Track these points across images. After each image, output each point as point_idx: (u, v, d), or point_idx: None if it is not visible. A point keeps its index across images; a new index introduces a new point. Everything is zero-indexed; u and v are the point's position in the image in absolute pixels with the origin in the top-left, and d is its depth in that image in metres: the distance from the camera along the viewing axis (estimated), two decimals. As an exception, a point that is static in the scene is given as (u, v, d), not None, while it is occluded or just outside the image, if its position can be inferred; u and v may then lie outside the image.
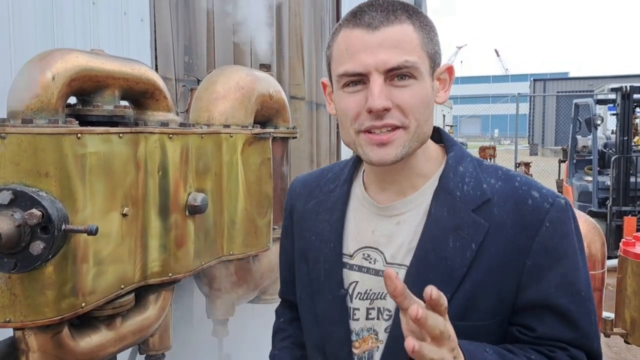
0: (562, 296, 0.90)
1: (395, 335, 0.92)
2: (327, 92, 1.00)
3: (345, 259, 1.00)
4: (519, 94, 12.49)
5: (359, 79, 0.89)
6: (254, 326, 2.62)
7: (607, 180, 6.94)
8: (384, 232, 0.97)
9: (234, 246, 1.96)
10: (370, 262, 0.98)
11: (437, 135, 1.04)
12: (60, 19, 2.70)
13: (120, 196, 1.43)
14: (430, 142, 0.99)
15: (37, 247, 1.14)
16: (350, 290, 0.99)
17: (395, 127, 0.90)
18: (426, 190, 0.96)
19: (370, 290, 0.97)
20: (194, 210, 1.69)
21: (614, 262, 2.87)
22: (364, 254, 0.99)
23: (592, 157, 7.53)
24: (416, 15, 0.92)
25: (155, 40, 3.61)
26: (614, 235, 6.20)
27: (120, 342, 1.48)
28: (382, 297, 0.96)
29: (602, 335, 2.35)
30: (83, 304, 1.30)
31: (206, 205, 1.74)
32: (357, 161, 1.06)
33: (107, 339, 1.43)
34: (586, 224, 2.10)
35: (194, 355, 2.40)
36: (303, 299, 1.06)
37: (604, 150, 7.76)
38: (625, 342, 2.64)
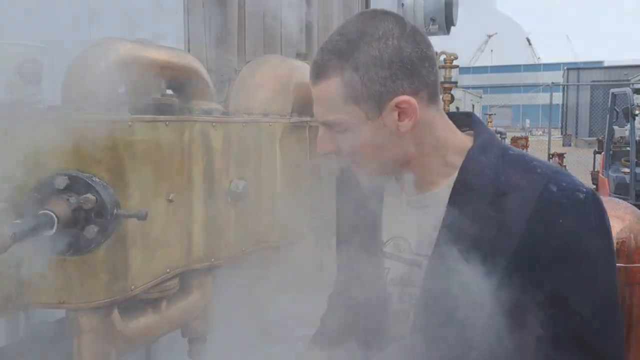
0: (576, 300, 0.89)
1: (418, 324, 0.99)
2: None
3: (380, 246, 1.07)
4: (552, 83, 12.25)
5: None
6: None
7: (645, 172, 6.78)
8: (411, 222, 1.03)
9: (271, 234, 1.99)
10: (400, 251, 1.04)
11: (468, 121, 1.06)
12: (96, 10, 2.75)
13: (166, 183, 1.46)
14: (451, 138, 1.01)
15: (92, 231, 1.18)
16: (384, 276, 1.06)
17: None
18: (450, 183, 0.99)
19: (401, 277, 1.03)
20: (236, 197, 1.72)
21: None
22: (395, 243, 1.05)
23: (629, 148, 7.35)
24: (356, 56, 0.91)
25: (188, 34, 3.65)
26: (652, 228, 6.05)
27: (166, 325, 1.53)
28: (412, 284, 1.02)
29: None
30: (132, 287, 1.34)
31: (247, 193, 1.77)
32: None
33: (153, 322, 1.48)
34: (633, 215, 2.04)
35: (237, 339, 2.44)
36: (347, 278, 1.14)
37: (642, 141, 7.55)
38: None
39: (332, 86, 0.93)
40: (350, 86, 0.92)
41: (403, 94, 0.93)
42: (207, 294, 1.72)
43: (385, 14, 0.95)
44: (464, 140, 1.02)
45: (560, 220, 0.88)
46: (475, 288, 0.90)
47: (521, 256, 0.89)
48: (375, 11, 0.96)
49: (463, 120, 1.06)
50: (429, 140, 0.98)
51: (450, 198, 0.96)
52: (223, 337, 1.89)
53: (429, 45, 0.95)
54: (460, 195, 0.96)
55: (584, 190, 0.92)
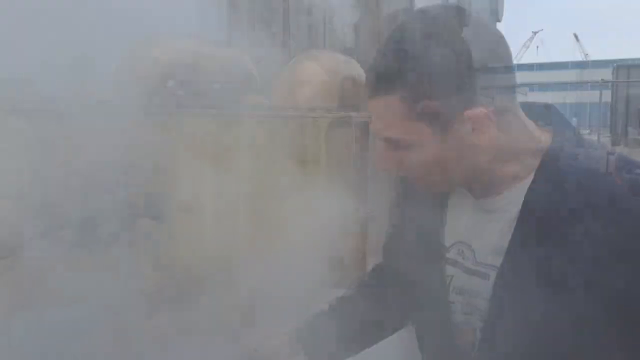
0: None
1: (487, 339, 0.91)
2: None
3: (443, 251, 0.98)
4: (602, 80, 11.83)
5: None
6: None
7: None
8: (477, 227, 0.94)
9: (320, 230, 1.97)
10: (463, 258, 0.95)
11: (544, 116, 0.97)
12: (140, 6, 2.78)
13: (212, 177, 1.46)
14: (526, 137, 0.91)
15: (140, 223, 1.18)
16: (446, 283, 0.97)
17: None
18: (523, 187, 0.89)
19: (464, 287, 0.95)
20: (281, 194, 1.71)
21: None
22: (458, 249, 0.96)
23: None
24: (415, 67, 0.81)
25: (232, 31, 3.68)
26: None
27: (191, 323, 1.53)
28: (476, 295, 0.93)
29: None
30: (173, 280, 1.35)
31: (293, 189, 1.76)
32: None
33: (182, 320, 1.48)
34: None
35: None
36: (403, 284, 1.06)
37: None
38: None
39: (393, 103, 0.83)
40: (415, 102, 0.82)
41: (474, 104, 0.83)
42: (248, 291, 1.71)
43: (442, 12, 0.84)
44: (540, 139, 0.91)
45: None
46: (552, 305, 0.82)
47: (609, 277, 0.79)
48: (428, 11, 0.86)
49: (541, 113, 0.96)
50: (502, 145, 0.88)
51: (522, 206, 0.87)
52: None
53: (498, 41, 0.86)
54: (533, 203, 0.86)
55: None
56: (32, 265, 1.13)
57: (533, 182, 0.88)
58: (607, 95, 17.61)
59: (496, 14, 6.89)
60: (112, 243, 1.22)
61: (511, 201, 0.89)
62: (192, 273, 1.40)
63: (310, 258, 1.94)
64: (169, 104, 1.33)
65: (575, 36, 57.68)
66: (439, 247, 0.98)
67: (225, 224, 1.54)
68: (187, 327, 1.47)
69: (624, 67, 17.01)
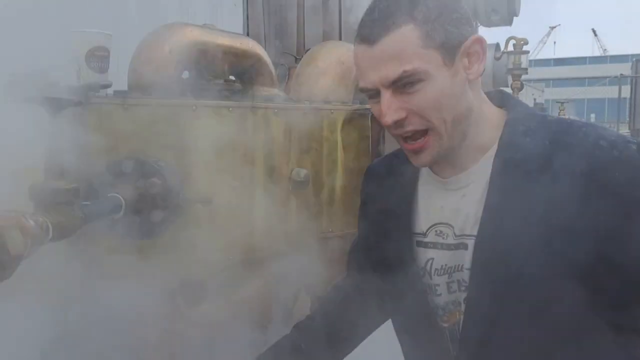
0: None
1: (471, 306, 0.93)
2: None
3: (419, 238, 1.01)
4: (621, 75, 11.65)
5: (375, 92, 0.91)
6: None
7: None
8: (451, 206, 0.98)
9: (332, 224, 1.95)
10: (442, 238, 0.98)
11: (499, 99, 1.02)
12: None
13: (229, 169, 1.46)
14: (488, 111, 0.98)
15: (158, 215, 1.18)
16: (428, 268, 1.00)
17: (422, 132, 0.91)
18: (489, 158, 0.94)
19: (446, 264, 0.97)
20: (297, 186, 1.69)
21: None
22: (436, 231, 0.99)
23: None
24: (420, 3, 0.88)
25: (247, 25, 3.67)
26: None
27: (228, 311, 1.52)
28: (459, 269, 0.96)
29: None
30: (196, 273, 1.34)
31: (309, 181, 1.74)
32: None
33: (217, 308, 1.47)
34: None
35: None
36: (381, 277, 1.07)
37: None
38: None
39: (407, 31, 0.87)
40: (426, 29, 0.88)
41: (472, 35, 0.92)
42: (268, 283, 1.70)
43: None
44: (499, 116, 0.98)
45: (617, 174, 0.84)
46: (532, 259, 0.86)
47: (581, 218, 0.83)
48: None
49: (495, 98, 1.02)
50: (477, 103, 0.95)
51: (492, 173, 0.92)
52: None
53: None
54: (502, 168, 0.91)
55: (635, 141, 0.88)
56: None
57: (498, 150, 0.93)
58: (626, 91, 17.30)
59: (513, 9, 6.80)
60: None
61: (480, 173, 0.94)
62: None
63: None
64: (183, 94, 1.32)
65: (594, 31, 56.86)
66: (414, 234, 1.01)
67: (239, 217, 1.53)
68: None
69: (643, 62, 16.76)
